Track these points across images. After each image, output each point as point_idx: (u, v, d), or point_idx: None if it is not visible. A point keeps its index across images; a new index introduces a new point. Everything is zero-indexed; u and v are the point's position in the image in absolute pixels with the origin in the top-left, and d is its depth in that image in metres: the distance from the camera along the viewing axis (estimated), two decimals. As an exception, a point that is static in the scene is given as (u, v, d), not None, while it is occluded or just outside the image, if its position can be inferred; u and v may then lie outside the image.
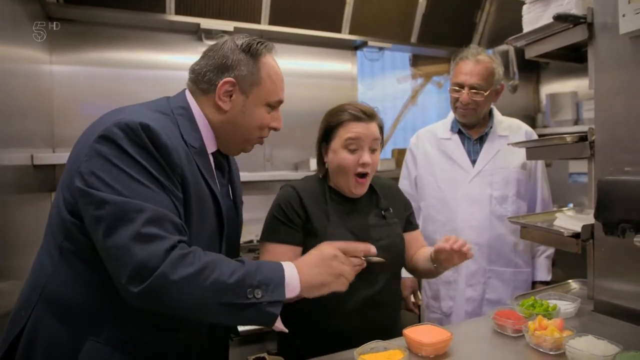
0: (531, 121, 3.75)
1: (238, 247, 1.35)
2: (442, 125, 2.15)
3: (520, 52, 2.47)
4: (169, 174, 1.02)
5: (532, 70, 3.72)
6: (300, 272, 1.07)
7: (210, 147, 1.19)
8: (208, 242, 1.13)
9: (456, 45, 3.35)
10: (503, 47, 3.30)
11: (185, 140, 1.10)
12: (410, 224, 1.66)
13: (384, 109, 3.65)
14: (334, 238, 1.41)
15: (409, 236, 1.62)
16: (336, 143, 1.47)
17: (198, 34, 2.76)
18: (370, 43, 3.12)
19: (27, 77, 2.07)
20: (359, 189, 1.49)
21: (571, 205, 3.01)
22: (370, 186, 1.56)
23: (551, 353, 1.18)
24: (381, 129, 1.52)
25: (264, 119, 1.21)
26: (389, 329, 1.43)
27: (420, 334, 1.23)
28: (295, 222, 1.46)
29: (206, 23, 2.67)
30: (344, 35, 3.04)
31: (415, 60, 3.59)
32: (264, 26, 2.81)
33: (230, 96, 1.16)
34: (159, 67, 2.74)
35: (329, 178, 1.55)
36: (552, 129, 3.49)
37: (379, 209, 1.56)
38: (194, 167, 1.09)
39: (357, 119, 1.45)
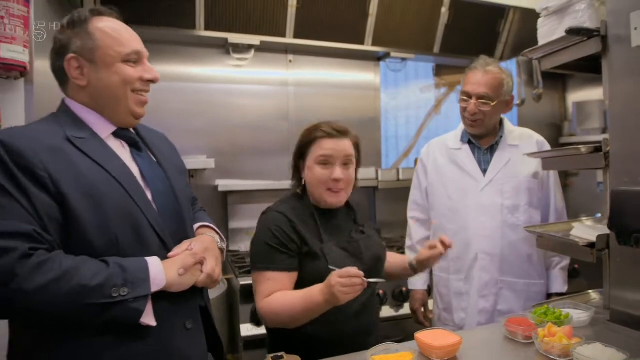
0: (558, 130, 3.72)
1: (180, 211, 1.28)
2: (453, 136, 2.17)
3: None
4: (25, 182, 1.02)
5: (558, 78, 3.69)
6: (165, 265, 1.12)
7: (105, 130, 1.20)
8: (120, 217, 1.11)
9: (479, 55, 3.38)
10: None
11: (69, 135, 1.12)
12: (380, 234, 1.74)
13: (408, 119, 3.69)
14: (332, 255, 1.48)
15: None
16: (310, 160, 1.54)
17: (226, 47, 2.89)
18: (393, 54, 3.18)
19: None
20: (333, 199, 1.54)
21: (599, 215, 2.97)
22: (347, 202, 1.64)
23: (559, 359, 1.21)
24: (357, 145, 1.60)
25: (126, 74, 1.18)
26: (373, 330, 1.55)
27: (431, 337, 1.28)
28: (291, 248, 1.47)
29: (234, 37, 2.80)
30: (367, 47, 3.10)
31: (439, 70, 3.62)
32: (289, 39, 2.91)
33: (82, 71, 1.17)
34: (189, 80, 2.89)
35: (309, 195, 1.59)
36: (579, 138, 3.45)
37: (356, 225, 1.64)
38: (74, 158, 1.09)
39: (329, 136, 1.52)
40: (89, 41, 1.16)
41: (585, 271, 2.74)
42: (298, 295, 1.41)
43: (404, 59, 3.28)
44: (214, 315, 1.38)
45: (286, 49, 3.07)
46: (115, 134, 1.23)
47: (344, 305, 1.36)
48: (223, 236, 1.39)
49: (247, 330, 2.17)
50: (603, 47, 1.49)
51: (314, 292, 1.37)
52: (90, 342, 1.07)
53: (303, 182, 1.59)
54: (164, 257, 1.16)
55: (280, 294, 1.44)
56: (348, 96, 3.27)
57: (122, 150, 1.23)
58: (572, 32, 1.49)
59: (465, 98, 1.99)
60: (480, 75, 1.96)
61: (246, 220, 2.97)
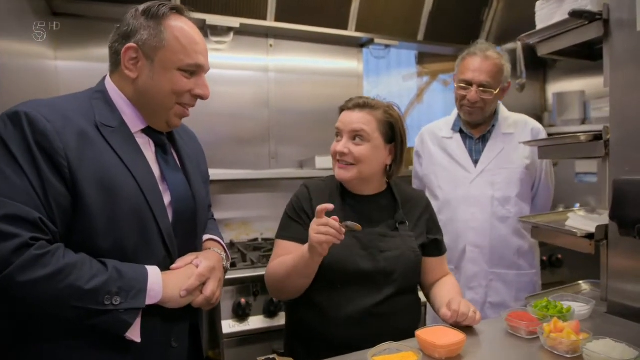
0: (538, 120, 3.69)
1: (194, 221, 1.24)
2: (444, 124, 2.10)
3: (527, 50, 2.43)
4: (42, 164, 0.96)
5: (539, 68, 3.69)
6: (165, 278, 1.07)
7: (136, 125, 1.14)
8: (130, 217, 1.05)
9: (463, 43, 3.32)
10: (510, 45, 3.27)
11: (98, 122, 1.06)
12: (432, 249, 1.56)
13: (390, 107, 3.63)
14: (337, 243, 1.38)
15: (429, 261, 1.55)
16: None
17: (204, 30, 2.72)
18: (376, 40, 3.08)
19: (32, 72, 2.06)
20: (341, 174, 1.45)
21: (577, 205, 2.99)
22: (393, 194, 1.54)
23: (567, 356, 1.16)
24: (387, 122, 1.46)
25: (178, 84, 1.12)
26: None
27: (433, 335, 1.21)
28: (304, 220, 1.46)
29: (212, 19, 2.64)
30: (350, 33, 3.00)
31: (422, 58, 3.55)
32: (270, 22, 2.79)
33: (137, 63, 1.10)
34: (163, 64, 2.72)
35: None
36: (559, 128, 3.47)
37: (394, 220, 1.50)
38: (98, 147, 1.04)
39: (346, 108, 1.47)
40: (157, 39, 1.09)
41: (568, 261, 2.75)
42: (292, 254, 1.38)
43: (387, 46, 3.19)
44: (203, 333, 1.32)
45: (267, 33, 2.93)
46: (144, 131, 1.16)
47: (343, 307, 1.34)
48: (229, 254, 1.37)
49: (229, 326, 2.07)
50: (605, 32, 1.45)
51: (304, 247, 1.32)
52: (69, 344, 1.01)
53: None
54: (166, 268, 1.11)
55: (281, 257, 1.42)
56: (330, 83, 3.15)
57: (148, 149, 1.16)
58: (575, 14, 1.43)
59: (464, 86, 1.90)
60: (480, 61, 1.87)
61: (226, 211, 2.85)
